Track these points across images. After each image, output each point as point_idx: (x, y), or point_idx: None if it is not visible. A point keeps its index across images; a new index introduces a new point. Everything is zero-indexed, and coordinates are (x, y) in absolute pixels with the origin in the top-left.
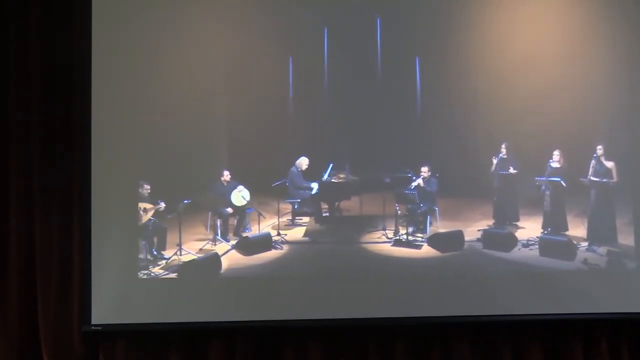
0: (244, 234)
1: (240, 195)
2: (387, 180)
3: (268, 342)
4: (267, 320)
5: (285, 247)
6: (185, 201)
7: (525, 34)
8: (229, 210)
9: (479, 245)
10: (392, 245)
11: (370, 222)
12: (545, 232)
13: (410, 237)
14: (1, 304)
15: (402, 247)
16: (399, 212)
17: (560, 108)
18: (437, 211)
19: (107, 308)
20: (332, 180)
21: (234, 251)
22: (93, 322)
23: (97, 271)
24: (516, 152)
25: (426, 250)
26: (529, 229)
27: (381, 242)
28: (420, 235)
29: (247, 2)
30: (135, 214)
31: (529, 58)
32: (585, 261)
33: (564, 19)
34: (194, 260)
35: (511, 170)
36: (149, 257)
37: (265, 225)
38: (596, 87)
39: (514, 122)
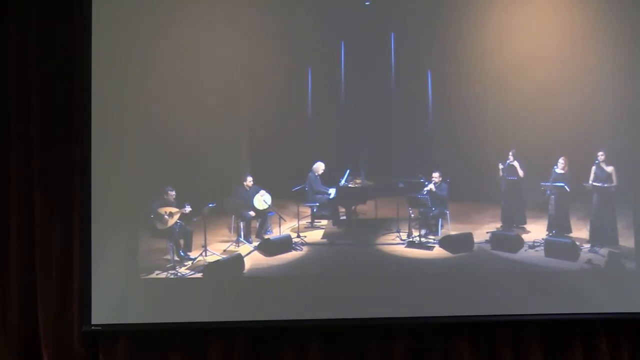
0: (266, 236)
1: (262, 200)
2: (401, 185)
3: (268, 342)
4: (267, 321)
5: (305, 249)
6: (210, 205)
7: (525, 40)
8: (252, 213)
9: (488, 246)
10: (405, 247)
11: (385, 225)
12: (550, 234)
13: (422, 239)
14: (1, 303)
15: (415, 248)
16: (412, 215)
17: (562, 112)
18: (448, 214)
19: (107, 308)
20: (349, 185)
21: (256, 252)
22: (93, 322)
23: (97, 271)
24: (522, 158)
25: (438, 252)
26: (535, 231)
27: (395, 243)
28: (432, 237)
29: (267, 14)
30: (136, 213)
31: (530, 63)
32: (587, 262)
33: (565, 21)
34: (218, 260)
35: (516, 165)
36: (176, 258)
37: (285, 228)
38: (597, 89)
39: (520, 129)
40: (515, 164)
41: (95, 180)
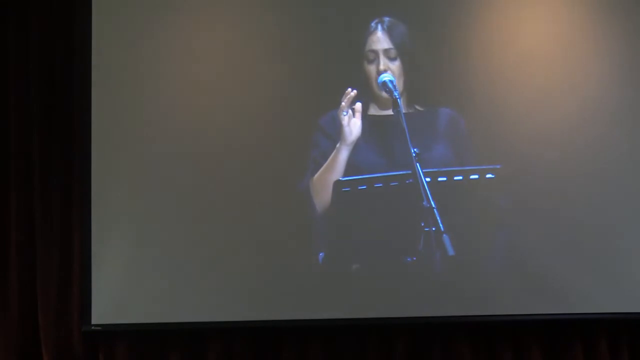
0: None
1: None
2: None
3: (268, 342)
4: (267, 321)
5: None
6: None
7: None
8: None
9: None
10: None
11: None
12: None
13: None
14: (1, 303)
15: None
16: None
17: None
18: None
19: (107, 308)
20: None
21: None
22: (93, 322)
23: (97, 271)
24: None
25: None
26: None
27: None
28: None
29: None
30: (136, 213)
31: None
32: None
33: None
34: None
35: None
36: None
37: None
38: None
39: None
40: None
41: (95, 180)
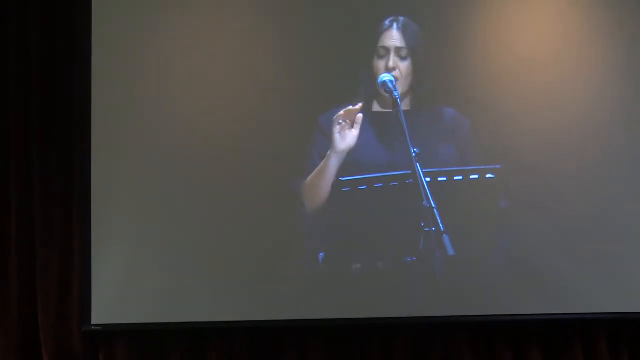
0: None
1: None
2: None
3: (268, 342)
4: (267, 321)
5: None
6: None
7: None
8: None
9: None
10: None
11: None
12: None
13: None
14: (1, 303)
15: None
16: None
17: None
18: None
19: (107, 308)
20: None
21: None
22: (93, 322)
23: (97, 271)
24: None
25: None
26: None
27: None
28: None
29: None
30: (136, 213)
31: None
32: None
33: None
34: None
35: None
36: None
37: None
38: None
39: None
40: None
41: (95, 180)
